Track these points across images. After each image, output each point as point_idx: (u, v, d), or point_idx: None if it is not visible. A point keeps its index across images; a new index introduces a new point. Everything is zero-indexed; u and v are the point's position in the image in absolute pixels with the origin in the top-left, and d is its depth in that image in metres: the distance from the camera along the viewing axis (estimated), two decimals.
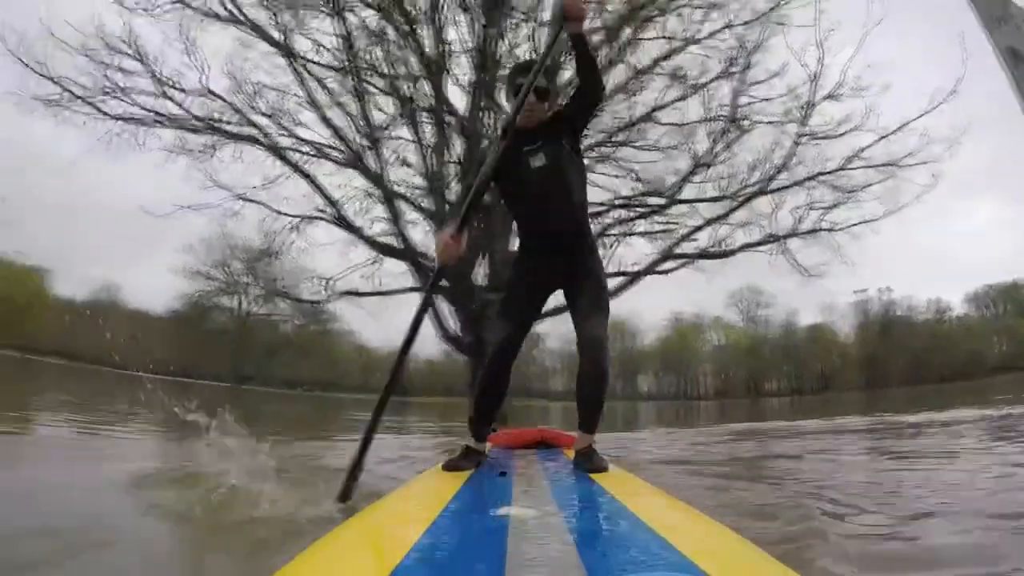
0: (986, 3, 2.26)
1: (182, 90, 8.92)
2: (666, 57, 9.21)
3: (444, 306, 9.07)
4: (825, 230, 9.45)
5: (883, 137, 9.10)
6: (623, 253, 9.76)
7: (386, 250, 9.56)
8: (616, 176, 9.88)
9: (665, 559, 0.79)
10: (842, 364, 48.18)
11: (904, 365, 43.62)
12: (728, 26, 9.15)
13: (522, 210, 1.95)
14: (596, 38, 8.71)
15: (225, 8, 8.60)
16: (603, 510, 1.23)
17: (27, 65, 8.27)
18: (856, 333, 48.61)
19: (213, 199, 9.31)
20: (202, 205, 9.37)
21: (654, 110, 9.42)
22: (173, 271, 32.31)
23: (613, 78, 9.00)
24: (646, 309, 44.53)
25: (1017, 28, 2.22)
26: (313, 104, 9.11)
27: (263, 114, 9.16)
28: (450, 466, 1.76)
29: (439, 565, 0.79)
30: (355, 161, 9.12)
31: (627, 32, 9.17)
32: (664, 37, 9.27)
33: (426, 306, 2.17)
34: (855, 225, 9.43)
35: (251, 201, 9.46)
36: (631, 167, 9.76)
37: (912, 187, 9.12)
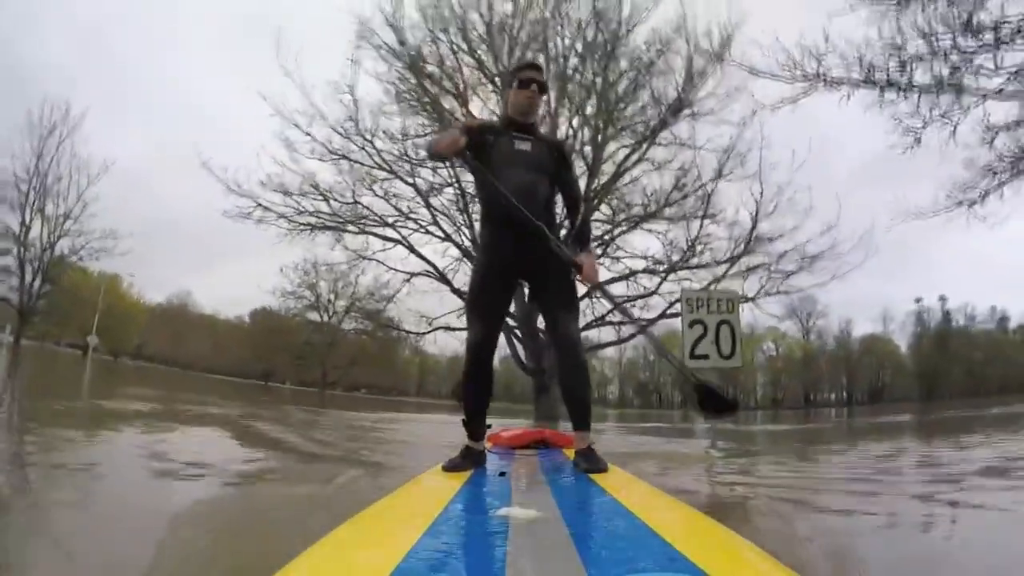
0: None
1: (339, 201, 13.33)
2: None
3: (515, 342, 12.68)
4: (784, 292, 12.67)
5: (799, 248, 12.27)
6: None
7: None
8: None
9: (665, 559, 0.79)
10: (896, 375, 47.35)
11: (961, 377, 41.60)
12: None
13: (492, 188, 1.91)
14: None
15: (373, 160, 13.21)
16: (603, 510, 1.23)
17: (231, 189, 12.67)
18: (912, 343, 47.22)
19: (340, 258, 14.17)
20: (332, 263, 14.97)
21: (664, 206, 13.15)
22: (255, 285, 40.16)
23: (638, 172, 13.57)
24: None
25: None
26: (428, 206, 13.61)
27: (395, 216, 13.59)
28: (450, 466, 1.77)
29: (439, 565, 0.79)
30: (449, 238, 13.76)
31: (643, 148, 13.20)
32: (676, 142, 13.05)
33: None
34: (810, 287, 12.70)
35: (372, 260, 13.95)
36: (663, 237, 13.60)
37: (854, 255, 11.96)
